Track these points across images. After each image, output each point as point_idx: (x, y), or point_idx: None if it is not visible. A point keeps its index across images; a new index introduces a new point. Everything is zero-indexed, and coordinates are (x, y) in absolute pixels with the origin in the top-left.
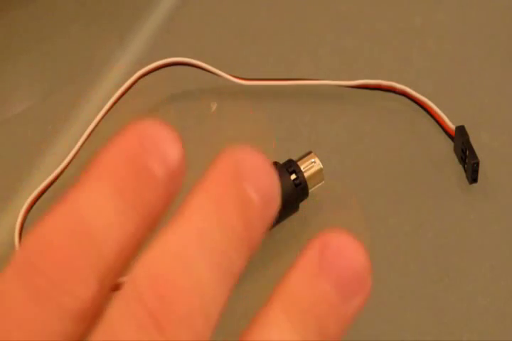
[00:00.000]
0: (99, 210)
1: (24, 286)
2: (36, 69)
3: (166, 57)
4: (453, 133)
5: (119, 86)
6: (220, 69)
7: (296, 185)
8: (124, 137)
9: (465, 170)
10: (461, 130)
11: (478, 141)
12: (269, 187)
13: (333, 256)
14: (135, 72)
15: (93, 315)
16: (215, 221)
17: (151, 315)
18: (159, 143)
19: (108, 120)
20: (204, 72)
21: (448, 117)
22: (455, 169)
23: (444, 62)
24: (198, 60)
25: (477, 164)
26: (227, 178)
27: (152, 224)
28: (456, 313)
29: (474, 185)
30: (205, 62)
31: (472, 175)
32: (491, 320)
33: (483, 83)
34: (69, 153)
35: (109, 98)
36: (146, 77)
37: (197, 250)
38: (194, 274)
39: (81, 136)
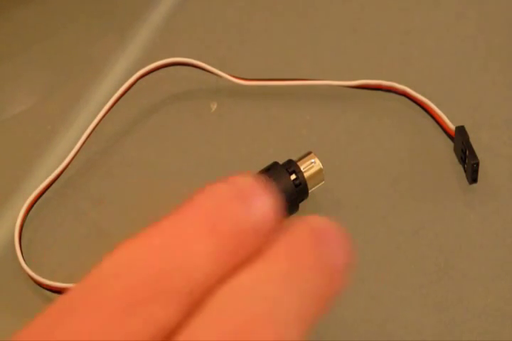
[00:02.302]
0: (189, 244)
1: (106, 300)
2: (36, 69)
3: (166, 57)
4: (453, 133)
5: (119, 86)
6: (220, 69)
7: (296, 185)
8: (221, 186)
9: (465, 170)
10: (461, 130)
11: (478, 141)
12: (347, 259)
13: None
14: (135, 72)
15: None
16: (305, 274)
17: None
18: (255, 197)
19: (108, 120)
20: (204, 72)
21: (448, 117)
22: (455, 169)
23: (444, 62)
24: (198, 60)
25: (477, 164)
26: (319, 242)
27: (239, 261)
28: (456, 313)
29: (474, 185)
30: (205, 62)
31: (472, 175)
32: (491, 320)
33: (483, 83)
34: (69, 153)
35: (109, 98)
36: (146, 77)
37: (283, 288)
38: (276, 313)
39: (81, 136)
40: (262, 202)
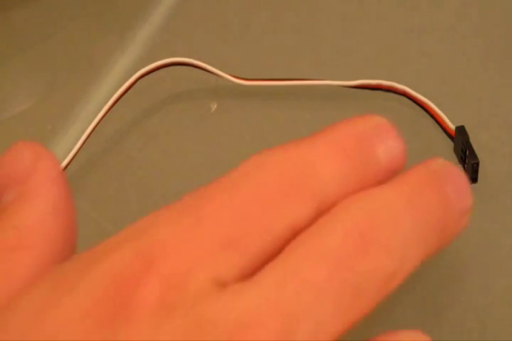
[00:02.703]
0: (324, 160)
1: (255, 186)
2: (36, 69)
3: (166, 57)
4: (453, 133)
5: (119, 86)
6: (220, 69)
7: None
8: (363, 119)
9: (465, 170)
10: (461, 130)
11: (478, 141)
12: (468, 201)
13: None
14: (135, 72)
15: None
16: (426, 201)
17: (362, 237)
18: (390, 136)
19: (108, 120)
20: (204, 72)
21: (448, 117)
22: None
23: (444, 62)
24: (198, 60)
25: (477, 164)
26: (439, 178)
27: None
28: (456, 313)
29: (474, 185)
30: (205, 62)
31: (472, 175)
32: (491, 320)
33: (483, 83)
34: (69, 153)
35: (109, 98)
36: (146, 77)
37: (405, 209)
38: (400, 226)
39: (81, 136)
40: (396, 140)
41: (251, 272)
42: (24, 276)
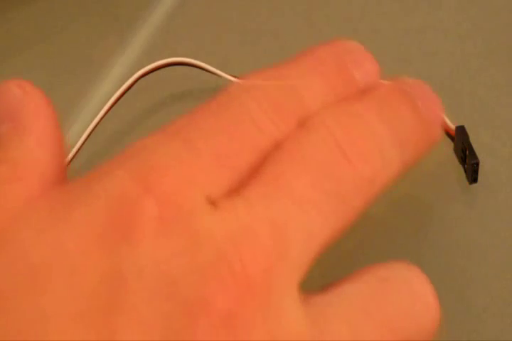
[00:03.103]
0: (305, 81)
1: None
2: (36, 69)
3: (166, 57)
4: (453, 133)
5: (119, 86)
6: (220, 69)
7: None
8: (341, 44)
9: (465, 171)
10: (461, 130)
11: (478, 141)
12: (438, 112)
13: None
14: (135, 72)
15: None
16: (398, 115)
17: (339, 146)
18: (366, 59)
19: (108, 120)
20: (204, 72)
21: (448, 117)
22: (455, 169)
23: (444, 62)
24: (198, 60)
25: (477, 164)
26: (406, 92)
27: None
28: (456, 313)
29: (474, 185)
30: (205, 62)
31: (472, 175)
32: (491, 320)
33: (483, 83)
34: (69, 153)
35: (109, 98)
36: (146, 77)
37: (376, 118)
38: (373, 134)
39: (81, 135)
40: (372, 63)
41: (240, 186)
42: (18, 208)
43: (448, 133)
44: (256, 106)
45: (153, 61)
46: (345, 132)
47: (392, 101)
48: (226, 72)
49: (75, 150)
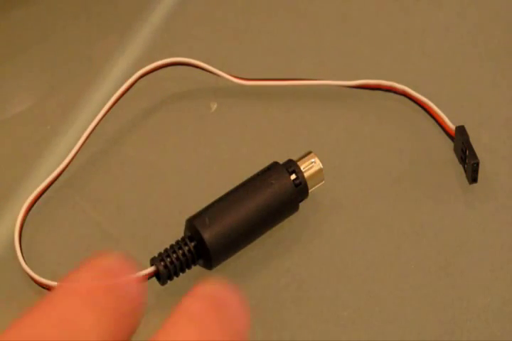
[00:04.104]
0: (83, 318)
1: None
2: (36, 70)
3: (166, 57)
4: (453, 133)
5: (119, 86)
6: (220, 69)
7: (296, 185)
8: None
9: (465, 170)
10: (461, 130)
11: (478, 141)
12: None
13: None
14: (135, 72)
15: None
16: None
17: None
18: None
19: (108, 120)
20: (204, 72)
21: (448, 117)
22: (455, 169)
23: (444, 62)
24: (198, 60)
25: (477, 164)
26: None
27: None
28: (456, 313)
29: (474, 185)
30: (205, 62)
31: (472, 175)
32: (491, 320)
33: (483, 83)
34: (69, 153)
35: (109, 98)
36: (146, 77)
37: None
38: None
39: (81, 136)
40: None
41: None
42: None
43: (448, 133)
44: None
45: (153, 61)
46: None
47: (202, 322)
48: (226, 72)
49: (75, 150)
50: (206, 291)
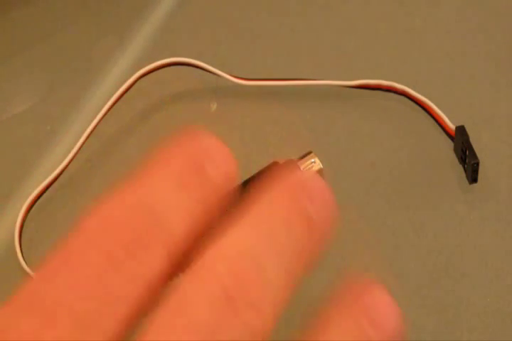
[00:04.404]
0: (164, 199)
1: (98, 251)
2: (36, 70)
3: (166, 57)
4: (453, 133)
5: (119, 86)
6: (220, 69)
7: None
8: (192, 142)
9: (465, 170)
10: (461, 130)
11: (478, 141)
12: (330, 212)
13: None
14: (135, 72)
15: (159, 285)
16: (284, 228)
17: (225, 292)
18: (223, 157)
19: (108, 120)
20: (204, 72)
21: (448, 117)
22: (455, 169)
23: (444, 62)
24: (198, 60)
25: (477, 164)
26: (296, 195)
27: (211, 219)
28: (456, 313)
29: (474, 185)
30: (205, 62)
31: (472, 175)
32: (491, 320)
33: (483, 83)
34: (69, 153)
35: (109, 98)
36: (146, 77)
37: (266, 250)
38: (263, 269)
39: (81, 136)
40: (228, 159)
41: None
42: None
43: (448, 133)
44: (117, 247)
45: (153, 61)
46: (235, 280)
47: (280, 211)
48: (226, 72)
49: (75, 150)
50: (288, 178)
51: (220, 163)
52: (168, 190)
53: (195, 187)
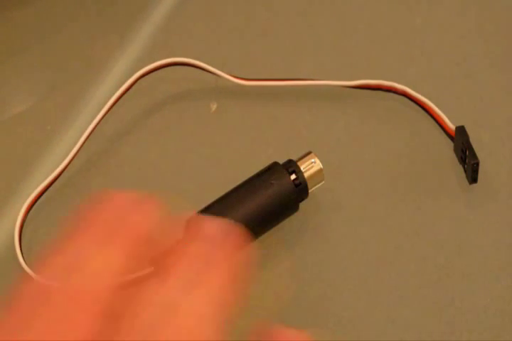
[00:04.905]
0: (101, 258)
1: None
2: (36, 70)
3: (166, 57)
4: (453, 133)
5: (119, 86)
6: (220, 69)
7: (296, 185)
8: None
9: (465, 170)
10: (461, 130)
11: (478, 141)
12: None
13: None
14: (135, 72)
15: None
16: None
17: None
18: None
19: (108, 120)
20: (204, 72)
21: (448, 117)
22: (455, 169)
23: (444, 62)
24: (198, 60)
25: (477, 164)
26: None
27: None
28: (456, 313)
29: (474, 185)
30: (205, 62)
31: (472, 175)
32: (491, 320)
33: (483, 83)
34: (69, 153)
35: (109, 98)
36: (146, 77)
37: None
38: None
39: (81, 136)
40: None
41: None
42: None
43: (448, 133)
44: (50, 311)
45: (153, 61)
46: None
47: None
48: (226, 72)
49: (75, 150)
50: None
51: (137, 213)
52: (100, 249)
53: (116, 243)
